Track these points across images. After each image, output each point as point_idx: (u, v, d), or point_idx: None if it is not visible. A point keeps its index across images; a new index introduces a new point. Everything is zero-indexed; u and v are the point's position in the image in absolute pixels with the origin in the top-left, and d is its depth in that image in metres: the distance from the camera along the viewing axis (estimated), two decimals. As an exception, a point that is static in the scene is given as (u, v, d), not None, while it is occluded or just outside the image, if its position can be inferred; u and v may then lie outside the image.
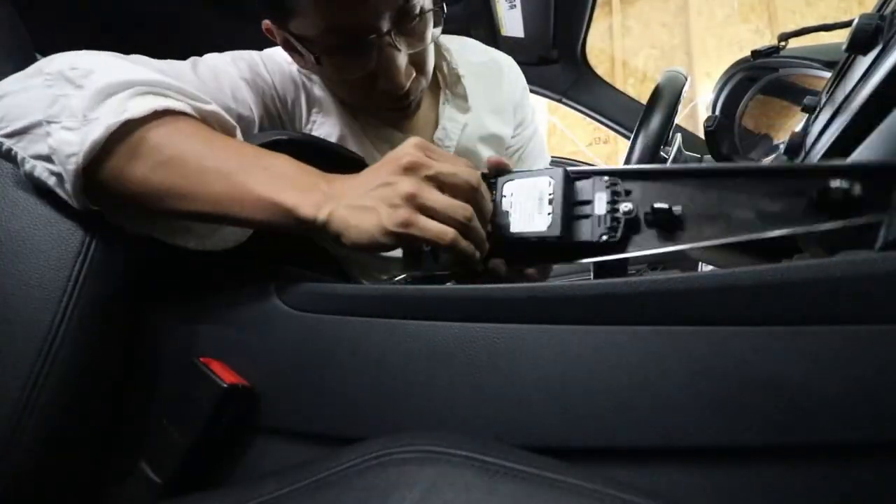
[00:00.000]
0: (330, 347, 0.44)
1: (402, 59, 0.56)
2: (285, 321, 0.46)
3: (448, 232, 0.39)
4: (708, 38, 2.59)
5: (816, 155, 0.50)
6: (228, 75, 0.58)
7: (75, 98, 0.39)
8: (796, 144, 0.63)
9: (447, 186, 0.40)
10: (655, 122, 0.74)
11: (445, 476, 0.26)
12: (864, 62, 0.44)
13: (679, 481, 0.33)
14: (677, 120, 0.91)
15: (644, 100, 0.82)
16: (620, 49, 2.78)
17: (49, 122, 0.39)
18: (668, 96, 0.76)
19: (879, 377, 0.29)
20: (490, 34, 1.20)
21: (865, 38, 0.43)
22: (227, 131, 0.47)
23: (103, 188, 0.41)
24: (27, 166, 0.41)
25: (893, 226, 0.31)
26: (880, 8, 0.48)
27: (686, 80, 0.80)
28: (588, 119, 1.29)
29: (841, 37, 0.53)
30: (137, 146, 0.40)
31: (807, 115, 0.66)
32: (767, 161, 0.91)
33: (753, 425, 0.31)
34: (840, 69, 0.56)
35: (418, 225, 0.39)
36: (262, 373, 0.46)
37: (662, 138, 0.75)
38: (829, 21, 0.73)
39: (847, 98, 0.45)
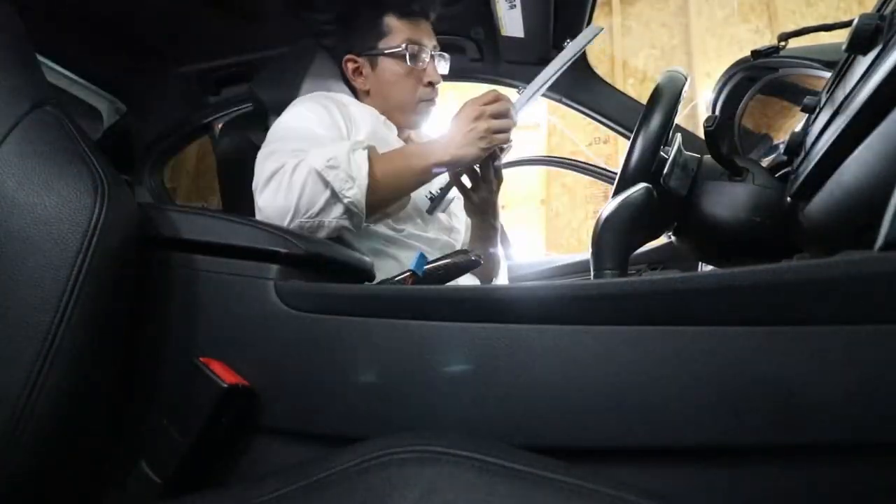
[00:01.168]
0: (330, 347, 0.44)
1: (437, 69, 0.98)
2: (285, 321, 0.46)
3: (506, 137, 0.78)
4: (708, 38, 2.59)
5: (816, 155, 0.50)
6: (323, 115, 0.88)
7: (340, 172, 0.71)
8: (796, 144, 0.63)
9: (494, 114, 0.75)
10: (655, 122, 0.74)
11: (445, 476, 0.26)
12: (864, 62, 0.44)
13: (679, 481, 0.33)
14: (677, 120, 0.90)
15: (644, 100, 0.82)
16: (620, 49, 2.78)
17: (339, 191, 0.71)
18: (668, 96, 0.76)
19: (879, 377, 0.29)
20: (490, 34, 1.20)
21: (865, 38, 0.43)
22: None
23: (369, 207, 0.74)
24: (323, 232, 0.73)
25: (893, 226, 0.31)
26: (880, 8, 0.48)
27: (686, 80, 0.80)
28: (588, 119, 1.29)
29: (841, 37, 0.53)
30: (372, 182, 0.73)
31: (807, 115, 0.66)
32: (767, 161, 0.91)
33: (753, 425, 0.31)
34: (840, 69, 0.56)
35: (494, 141, 0.76)
36: (262, 373, 0.46)
37: (662, 138, 0.75)
38: (829, 21, 0.73)
39: (847, 98, 0.45)
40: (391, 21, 0.94)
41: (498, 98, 0.76)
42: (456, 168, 0.79)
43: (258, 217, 0.75)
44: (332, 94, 0.96)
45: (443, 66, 1.00)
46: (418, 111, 0.97)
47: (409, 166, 0.77)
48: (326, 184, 0.70)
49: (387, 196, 0.78)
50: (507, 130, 0.76)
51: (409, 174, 0.77)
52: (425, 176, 0.77)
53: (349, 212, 0.72)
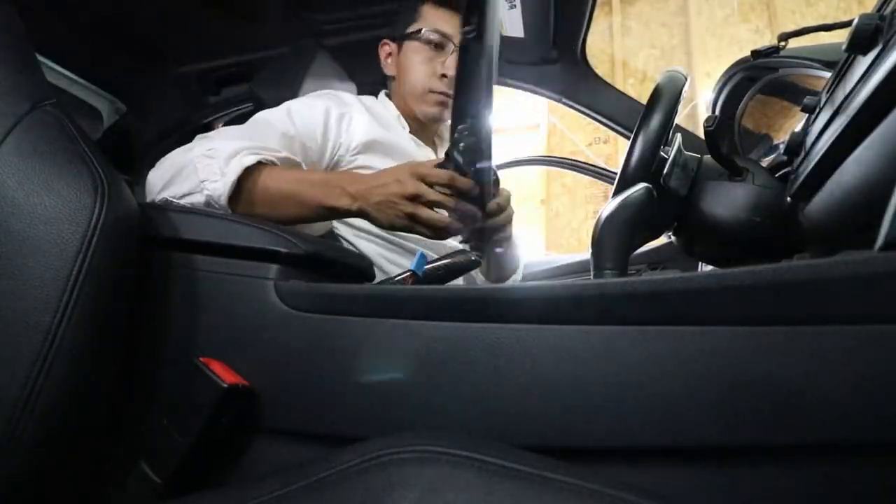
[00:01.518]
0: (330, 347, 0.44)
1: None
2: (285, 321, 0.46)
3: (441, 220, 0.63)
4: (708, 38, 2.59)
5: (816, 155, 0.50)
6: (312, 117, 0.85)
7: (214, 164, 0.65)
8: (796, 144, 0.63)
9: (433, 202, 0.63)
10: (655, 122, 0.74)
11: (445, 476, 0.26)
12: (864, 62, 0.44)
13: (679, 481, 0.33)
14: (677, 120, 0.90)
15: (644, 100, 0.82)
16: (620, 49, 2.78)
17: (202, 182, 0.65)
18: (668, 96, 0.76)
19: (879, 377, 0.29)
20: (490, 34, 1.20)
21: (865, 38, 0.43)
22: (294, 164, 0.76)
23: (236, 203, 0.67)
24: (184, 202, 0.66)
25: (893, 226, 0.31)
26: (880, 8, 0.48)
27: (686, 80, 0.80)
28: (588, 119, 1.29)
29: (841, 37, 0.53)
30: (252, 186, 0.67)
31: (807, 115, 0.66)
32: (767, 161, 0.91)
33: (753, 425, 0.31)
34: (840, 69, 0.56)
35: (414, 229, 0.64)
36: (262, 373, 0.46)
37: (662, 138, 0.75)
38: (829, 21, 0.73)
39: (847, 98, 0.45)
40: (426, 9, 0.94)
41: (452, 182, 0.62)
42: (367, 219, 0.67)
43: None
44: (341, 94, 0.94)
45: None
46: (428, 101, 0.94)
47: (300, 192, 0.67)
48: (195, 170, 0.65)
49: (265, 209, 0.67)
50: (441, 228, 0.63)
51: (295, 200, 0.67)
52: (310, 211, 0.67)
53: (209, 204, 0.65)
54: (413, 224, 0.63)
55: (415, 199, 0.62)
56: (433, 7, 0.94)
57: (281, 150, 0.74)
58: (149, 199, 0.68)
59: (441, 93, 0.94)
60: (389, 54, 0.99)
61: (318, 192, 0.66)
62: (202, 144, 0.69)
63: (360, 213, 0.65)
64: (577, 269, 1.34)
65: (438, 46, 0.93)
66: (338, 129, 0.86)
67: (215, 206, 0.64)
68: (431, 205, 0.62)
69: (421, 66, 0.93)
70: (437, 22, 0.93)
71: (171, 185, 0.66)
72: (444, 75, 0.92)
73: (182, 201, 0.65)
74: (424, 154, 0.99)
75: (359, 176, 0.68)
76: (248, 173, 0.66)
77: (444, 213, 0.63)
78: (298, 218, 0.68)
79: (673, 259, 1.17)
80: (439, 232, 0.63)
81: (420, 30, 0.92)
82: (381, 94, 1.03)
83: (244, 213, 0.65)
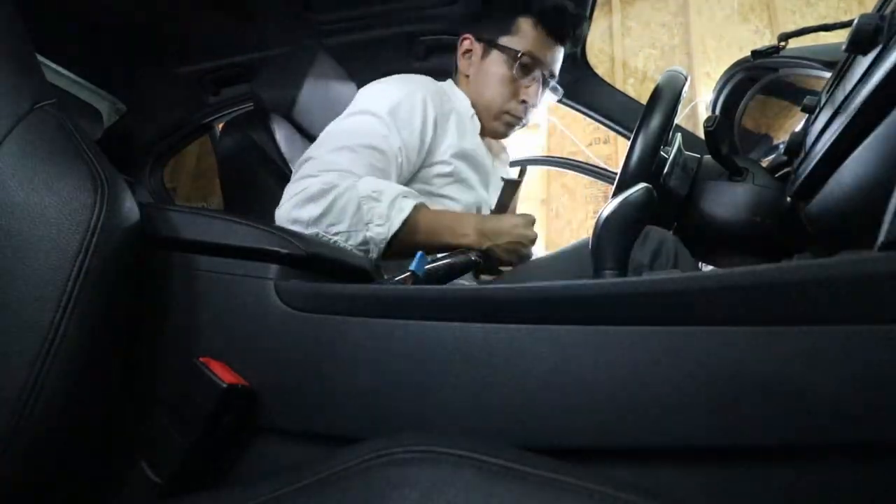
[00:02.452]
0: (330, 347, 0.44)
1: (539, 94, 0.96)
2: (285, 321, 0.46)
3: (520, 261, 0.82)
4: (708, 38, 2.59)
5: (816, 155, 0.50)
6: (413, 122, 0.85)
7: (379, 208, 0.72)
8: (796, 144, 0.63)
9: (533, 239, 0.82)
10: (655, 122, 0.74)
11: (446, 476, 0.26)
12: (864, 62, 0.44)
13: (679, 481, 0.33)
14: (677, 120, 0.90)
15: (644, 100, 0.82)
16: (620, 49, 2.78)
17: (367, 224, 0.72)
18: (668, 96, 0.76)
19: (879, 377, 0.29)
20: (490, 34, 1.20)
21: (865, 38, 0.43)
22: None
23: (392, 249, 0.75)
24: (347, 244, 0.73)
25: (893, 226, 0.31)
26: (880, 8, 0.48)
27: (686, 79, 0.80)
28: (588, 119, 1.29)
29: (841, 37, 0.53)
30: (402, 229, 0.74)
31: (807, 115, 0.66)
32: (767, 161, 0.91)
33: (753, 425, 0.31)
34: (840, 69, 0.56)
35: (520, 256, 0.81)
36: (262, 373, 0.46)
37: (662, 138, 0.75)
38: (829, 21, 0.73)
39: (847, 98, 0.45)
40: (525, 24, 0.90)
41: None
42: (479, 254, 0.77)
43: (278, 212, 0.75)
44: (434, 84, 0.91)
45: (549, 96, 0.98)
46: (502, 120, 0.95)
47: (439, 233, 0.77)
48: (360, 211, 0.72)
49: (412, 247, 0.73)
50: (525, 257, 0.81)
51: (441, 240, 0.77)
52: (452, 247, 0.77)
53: (366, 244, 0.73)
54: (521, 252, 0.80)
55: (527, 233, 0.80)
56: (533, 26, 0.90)
57: (402, 172, 0.83)
58: (289, 226, 0.72)
59: (516, 116, 0.94)
60: (469, 51, 0.95)
61: (450, 233, 0.77)
62: (364, 183, 0.74)
63: (484, 251, 0.77)
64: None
65: (527, 69, 0.91)
66: (434, 135, 0.87)
67: (371, 247, 0.73)
68: (531, 241, 0.82)
69: (504, 84, 0.92)
70: (535, 46, 0.90)
71: (326, 219, 0.71)
72: (524, 101, 0.93)
73: (337, 237, 0.72)
74: (491, 163, 1.02)
75: (484, 218, 0.82)
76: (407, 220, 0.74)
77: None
78: (434, 250, 0.76)
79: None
80: (522, 258, 0.82)
81: (518, 52, 0.90)
82: (452, 84, 0.99)
83: (398, 251, 0.74)
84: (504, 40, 0.91)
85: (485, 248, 0.77)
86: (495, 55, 0.91)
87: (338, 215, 0.71)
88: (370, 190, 0.73)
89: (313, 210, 0.71)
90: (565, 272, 0.75)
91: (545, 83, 0.94)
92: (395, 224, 0.73)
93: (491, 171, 1.00)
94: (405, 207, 0.73)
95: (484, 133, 0.97)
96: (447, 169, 0.88)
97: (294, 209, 0.72)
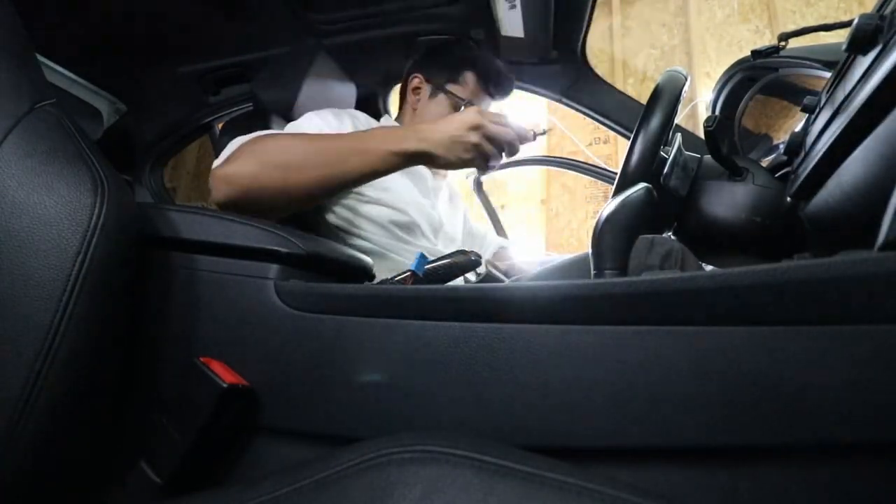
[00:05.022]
0: (330, 347, 0.44)
1: None
2: (285, 321, 0.46)
3: (489, 164, 0.71)
4: (708, 38, 2.59)
5: (816, 155, 0.50)
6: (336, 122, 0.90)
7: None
8: (796, 144, 0.63)
9: (493, 135, 0.70)
10: (655, 122, 0.74)
11: (445, 476, 0.26)
12: (864, 62, 0.44)
13: (679, 481, 0.33)
14: (677, 120, 0.90)
15: (644, 100, 0.82)
16: (620, 49, 2.78)
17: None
18: (668, 96, 0.76)
19: (879, 377, 0.29)
20: (490, 34, 1.20)
21: (865, 38, 0.43)
22: None
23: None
24: None
25: (893, 226, 0.31)
26: (880, 8, 0.48)
27: (686, 79, 0.80)
28: (588, 119, 1.28)
29: (841, 37, 0.53)
30: (303, 138, 0.75)
31: (807, 115, 0.66)
32: (767, 161, 0.91)
33: (753, 425, 0.31)
34: (840, 69, 0.56)
35: (475, 162, 0.71)
36: (262, 373, 0.46)
37: (662, 138, 0.75)
38: (829, 21, 0.73)
39: (847, 98, 0.45)
40: (470, 77, 1.03)
41: (502, 122, 0.70)
42: (430, 164, 0.71)
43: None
44: (352, 113, 1.00)
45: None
46: None
47: (364, 139, 0.69)
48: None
49: (312, 152, 0.69)
50: (492, 157, 0.71)
51: (359, 149, 0.68)
52: (380, 157, 0.68)
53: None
54: (477, 154, 0.69)
55: (477, 128, 0.68)
56: (476, 81, 1.03)
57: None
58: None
59: None
60: (418, 88, 1.06)
61: (382, 139, 0.69)
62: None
63: (424, 155, 0.69)
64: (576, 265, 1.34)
65: None
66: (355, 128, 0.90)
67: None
68: (490, 137, 0.69)
69: None
70: (475, 95, 1.03)
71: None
72: None
73: None
74: (434, 176, 1.07)
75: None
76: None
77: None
78: (351, 169, 0.68)
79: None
80: (491, 161, 0.71)
81: (464, 100, 1.01)
82: (387, 118, 1.12)
83: (309, 172, 0.67)
84: (451, 87, 1.03)
85: (422, 150, 0.68)
86: (441, 98, 1.03)
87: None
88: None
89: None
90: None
91: None
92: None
93: (430, 178, 1.06)
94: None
95: None
96: (372, 190, 0.91)
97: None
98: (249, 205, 0.66)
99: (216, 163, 0.70)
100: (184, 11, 1.15)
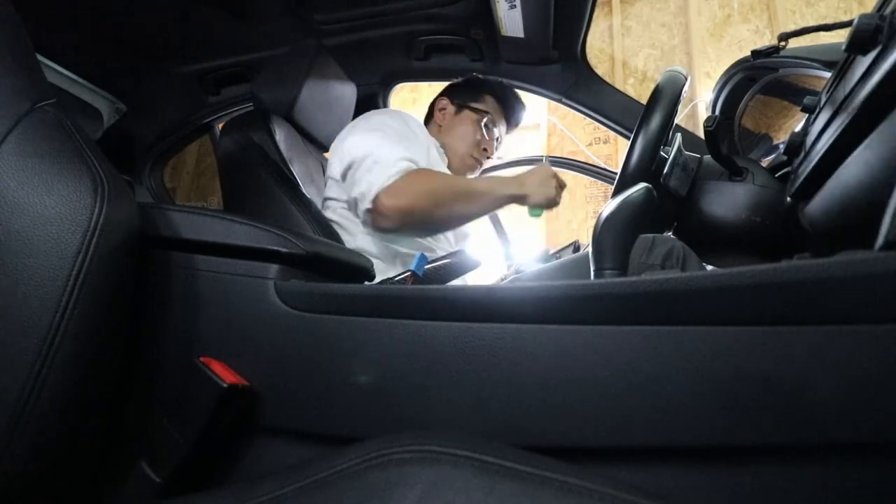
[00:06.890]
0: (330, 347, 0.44)
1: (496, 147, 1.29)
2: (285, 321, 0.46)
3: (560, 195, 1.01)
4: (708, 38, 2.59)
5: (816, 155, 0.50)
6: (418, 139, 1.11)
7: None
8: (796, 144, 0.63)
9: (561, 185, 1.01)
10: (655, 122, 0.74)
11: (445, 476, 0.26)
12: (864, 62, 0.44)
13: (679, 481, 0.33)
14: (677, 120, 0.90)
15: (644, 100, 0.82)
16: (620, 49, 2.77)
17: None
18: (668, 96, 0.76)
19: (879, 377, 0.29)
20: (490, 34, 1.20)
21: (865, 38, 0.43)
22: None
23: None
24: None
25: (893, 226, 0.31)
26: (880, 8, 0.48)
27: (686, 79, 0.80)
28: (588, 119, 1.29)
29: (841, 37, 0.53)
30: (447, 177, 1.05)
31: (807, 115, 0.66)
32: (767, 161, 0.91)
33: (753, 425, 0.31)
34: (840, 69, 0.56)
35: (556, 201, 0.99)
36: (262, 373, 0.46)
37: (662, 138, 0.75)
38: (829, 21, 0.73)
39: (847, 98, 0.45)
40: (489, 99, 1.22)
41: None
42: (524, 203, 0.96)
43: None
44: (417, 120, 1.18)
45: (501, 150, 1.31)
46: (466, 163, 1.21)
47: (493, 188, 0.95)
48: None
49: (450, 196, 0.92)
50: (559, 194, 0.99)
51: (481, 193, 0.94)
52: (494, 199, 0.95)
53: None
54: (559, 194, 0.98)
55: (553, 176, 0.98)
56: (495, 101, 1.23)
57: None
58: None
59: (477, 160, 1.22)
60: (444, 109, 1.25)
61: (499, 185, 0.96)
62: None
63: (523, 196, 0.95)
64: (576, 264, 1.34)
65: (488, 130, 1.21)
66: (428, 157, 1.08)
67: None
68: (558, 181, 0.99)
69: (472, 136, 1.21)
70: (495, 117, 1.22)
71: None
72: (485, 149, 1.22)
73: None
74: None
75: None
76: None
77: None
78: (478, 205, 0.95)
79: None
80: (558, 198, 0.99)
81: (487, 112, 1.21)
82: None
83: (442, 201, 0.92)
84: (473, 104, 1.22)
85: (528, 193, 0.94)
86: (465, 114, 1.22)
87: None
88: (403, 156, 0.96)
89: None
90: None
91: (499, 141, 1.29)
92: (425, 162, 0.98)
93: None
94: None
95: (450, 168, 1.24)
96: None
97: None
98: (406, 231, 0.96)
99: (380, 187, 0.89)
100: (184, 12, 1.15)
